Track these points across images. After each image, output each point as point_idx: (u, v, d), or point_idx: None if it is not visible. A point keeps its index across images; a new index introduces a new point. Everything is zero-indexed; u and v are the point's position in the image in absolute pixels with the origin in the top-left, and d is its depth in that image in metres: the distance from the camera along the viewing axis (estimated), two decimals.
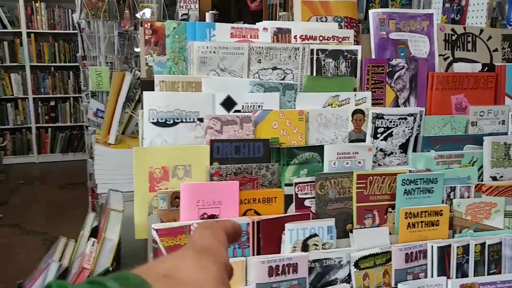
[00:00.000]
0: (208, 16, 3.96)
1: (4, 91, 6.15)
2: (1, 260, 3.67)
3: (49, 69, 6.34)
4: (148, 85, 1.28)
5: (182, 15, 3.75)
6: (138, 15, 3.37)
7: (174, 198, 1.21)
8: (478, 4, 2.23)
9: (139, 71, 2.60)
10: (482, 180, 1.46)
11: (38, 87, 6.30)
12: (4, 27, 6.04)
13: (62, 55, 6.36)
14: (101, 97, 3.24)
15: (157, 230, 1.15)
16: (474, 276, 1.36)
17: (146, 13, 3.33)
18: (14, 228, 4.28)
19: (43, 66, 6.31)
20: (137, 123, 2.02)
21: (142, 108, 1.26)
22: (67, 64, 6.38)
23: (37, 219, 4.48)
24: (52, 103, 6.40)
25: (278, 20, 4.24)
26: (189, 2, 4.16)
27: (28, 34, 6.13)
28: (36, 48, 6.24)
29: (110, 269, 1.15)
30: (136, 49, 3.31)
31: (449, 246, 1.33)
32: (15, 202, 4.90)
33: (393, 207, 1.34)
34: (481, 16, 2.28)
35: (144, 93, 1.24)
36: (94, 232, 1.39)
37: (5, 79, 6.15)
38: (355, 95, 1.38)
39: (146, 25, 1.33)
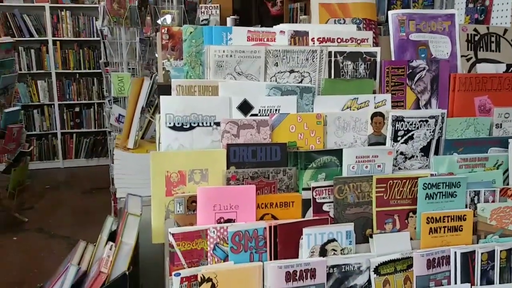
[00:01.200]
0: (229, 21, 3.98)
1: (31, 98, 6.28)
2: (26, 264, 3.73)
3: (74, 76, 6.46)
4: (165, 89, 1.28)
5: (202, 21, 3.77)
6: (159, 21, 3.40)
7: (191, 202, 1.21)
8: (502, 3, 2.17)
9: None
10: (507, 184, 1.41)
11: (64, 94, 6.42)
12: (31, 35, 6.18)
13: (86, 62, 6.46)
14: (123, 102, 3.28)
15: (173, 235, 1.15)
16: (500, 283, 1.31)
17: (167, 19, 3.36)
18: (39, 233, 4.36)
19: (68, 73, 6.42)
20: (156, 128, 2.03)
21: (159, 113, 1.26)
22: (92, 70, 6.48)
23: (62, 224, 4.55)
24: (77, 109, 6.51)
25: (299, 24, 4.23)
26: (210, 7, 4.19)
27: (54, 42, 6.25)
28: (61, 55, 6.36)
29: (127, 273, 1.15)
30: (157, 55, 3.34)
31: (473, 252, 1.29)
32: (41, 206, 4.99)
33: (414, 211, 1.31)
34: (506, 16, 2.22)
35: (161, 97, 1.25)
36: (113, 236, 1.40)
37: (32, 86, 6.28)
38: (374, 97, 1.36)
39: (163, 30, 1.34)
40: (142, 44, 3.32)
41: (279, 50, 1.33)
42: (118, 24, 3.22)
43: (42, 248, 4.03)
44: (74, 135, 6.56)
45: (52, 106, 6.42)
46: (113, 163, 3.43)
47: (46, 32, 6.27)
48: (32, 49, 6.29)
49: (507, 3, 2.19)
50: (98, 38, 5.88)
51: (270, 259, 1.21)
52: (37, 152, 6.43)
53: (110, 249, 1.21)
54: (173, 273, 1.12)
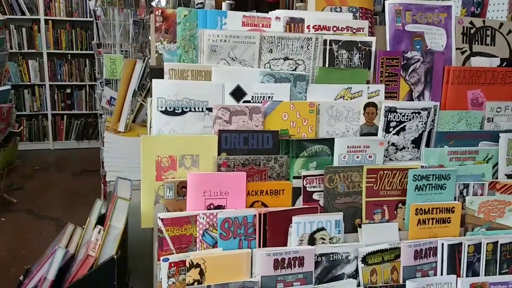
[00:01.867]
0: (224, 5, 3.93)
1: (21, 77, 6.20)
2: (15, 245, 3.71)
3: (65, 57, 6.37)
4: (158, 72, 1.27)
5: (197, 4, 3.73)
6: (153, 3, 3.35)
7: (181, 188, 1.20)
8: None
9: None
10: (496, 178, 1.42)
11: (55, 74, 6.34)
12: (23, 13, 6.08)
13: (79, 43, 6.38)
14: (115, 85, 3.24)
15: (162, 220, 1.14)
16: (485, 275, 1.33)
17: (162, 1, 3.31)
18: (28, 214, 4.33)
19: (60, 53, 6.33)
20: (147, 112, 2.02)
21: (151, 96, 1.25)
22: (84, 51, 6.40)
23: (51, 205, 4.52)
24: (68, 91, 6.44)
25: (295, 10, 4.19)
26: None
27: (46, 21, 6.15)
28: (53, 35, 6.27)
29: (115, 257, 1.15)
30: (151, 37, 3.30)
31: (460, 244, 1.30)
32: (30, 188, 4.96)
33: (403, 202, 1.32)
34: (502, 10, 2.21)
35: (153, 80, 1.23)
36: (102, 220, 1.39)
37: (22, 66, 6.20)
38: (368, 87, 1.35)
39: (157, 12, 1.32)
40: (136, 26, 3.28)
41: (274, 37, 1.31)
42: (111, 5, 3.17)
43: (30, 229, 4.01)
44: (65, 117, 6.50)
45: (43, 86, 6.34)
46: (103, 146, 3.41)
47: (38, 11, 6.17)
48: (23, 27, 6.19)
49: None
50: (91, 19, 5.80)
51: (259, 247, 1.21)
52: (27, 133, 6.37)
53: (99, 232, 1.21)
54: (161, 258, 1.12)
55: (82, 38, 6.44)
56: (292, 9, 4.70)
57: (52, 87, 6.38)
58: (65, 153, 6.36)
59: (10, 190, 4.74)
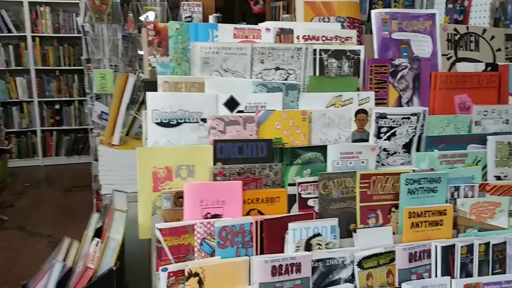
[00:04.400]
0: (211, 19, 3.98)
1: (9, 94, 6.17)
2: (7, 263, 3.68)
3: (54, 73, 6.36)
4: (152, 85, 1.29)
5: (185, 18, 3.77)
6: (142, 18, 3.38)
7: (178, 198, 1.21)
8: (481, 4, 2.22)
9: (143, 73, 2.62)
10: (486, 180, 1.46)
11: (43, 91, 6.32)
12: (9, 31, 6.06)
13: (66, 59, 6.37)
14: (105, 99, 3.25)
15: (160, 230, 1.15)
16: (479, 276, 1.35)
17: (150, 16, 3.35)
18: (20, 231, 4.29)
19: (48, 69, 6.32)
20: (140, 125, 2.03)
21: (145, 109, 1.27)
22: (72, 67, 6.39)
23: (43, 222, 4.49)
24: (57, 106, 6.42)
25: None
26: (193, 5, 4.18)
27: (33, 38, 6.15)
28: (41, 51, 6.26)
29: (114, 268, 1.15)
30: (140, 52, 3.32)
31: (453, 245, 1.33)
32: (21, 205, 4.92)
33: (396, 206, 1.34)
34: (484, 17, 2.27)
35: (148, 93, 1.25)
36: (98, 233, 1.39)
37: (10, 83, 6.17)
38: (358, 95, 1.38)
39: (149, 26, 1.34)
40: (125, 41, 3.30)
41: (265, 48, 1.34)
42: (100, 21, 3.19)
43: (22, 247, 3.97)
44: (54, 133, 6.46)
45: (32, 103, 6.32)
46: (95, 160, 3.40)
47: (24, 28, 6.16)
48: (10, 45, 6.17)
49: (485, 4, 2.24)
50: (78, 35, 5.80)
51: (257, 254, 1.23)
52: (16, 150, 6.32)
53: (96, 245, 1.21)
54: (160, 268, 1.13)
55: (69, 54, 6.44)
56: (279, 20, 4.77)
57: (40, 104, 6.36)
58: (55, 169, 6.32)
59: (0, 207, 4.70)
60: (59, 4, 6.31)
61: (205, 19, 4.05)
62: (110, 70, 3.20)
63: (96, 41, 3.26)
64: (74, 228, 4.08)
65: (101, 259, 1.17)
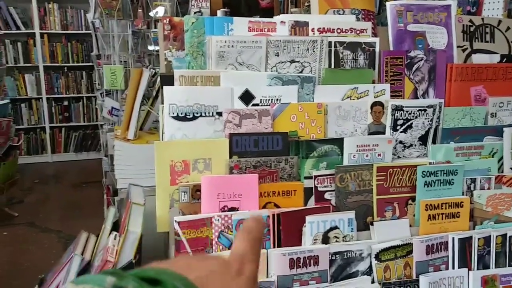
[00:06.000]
0: (219, 13, 3.97)
1: (18, 91, 6.21)
2: (18, 258, 3.71)
3: (62, 69, 6.40)
4: (168, 80, 1.29)
5: (194, 13, 3.76)
6: (151, 14, 3.39)
7: (195, 191, 1.22)
8: None
9: (153, 69, 2.62)
10: (502, 172, 1.45)
11: (52, 87, 6.36)
12: (18, 28, 6.10)
13: (75, 55, 6.41)
14: (115, 95, 3.26)
15: (179, 223, 1.16)
16: (495, 267, 1.35)
17: (159, 11, 3.35)
18: (30, 227, 4.33)
19: (56, 66, 6.36)
20: (154, 120, 2.04)
21: (162, 103, 1.27)
22: (80, 64, 6.43)
23: (52, 217, 4.53)
24: (66, 103, 6.46)
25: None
26: (201, 0, 4.17)
27: (41, 35, 6.18)
28: (49, 48, 6.29)
29: (133, 261, 1.16)
30: (150, 47, 3.33)
31: (470, 237, 1.32)
32: (30, 201, 4.96)
33: (413, 199, 1.34)
34: (498, 8, 2.25)
35: (164, 87, 1.25)
36: (114, 227, 1.40)
37: (19, 80, 6.21)
38: (373, 87, 1.38)
39: (164, 21, 1.34)
40: (134, 36, 3.31)
41: (280, 41, 1.34)
42: (110, 16, 3.19)
43: (32, 242, 4.01)
44: (63, 129, 6.51)
45: (40, 99, 6.36)
46: (106, 156, 3.42)
47: (33, 25, 6.19)
48: (19, 42, 6.21)
49: None
50: (87, 31, 5.84)
51: (274, 247, 1.23)
52: (25, 147, 6.37)
53: (115, 238, 1.22)
54: None
55: (78, 50, 6.47)
56: (287, 14, 4.74)
57: (49, 100, 6.40)
58: (64, 165, 6.36)
59: (11, 204, 4.75)
60: (67, 1, 6.33)
61: (212, 14, 4.04)
62: (120, 66, 3.21)
63: (106, 37, 3.27)
64: (83, 223, 4.10)
65: (120, 252, 1.17)
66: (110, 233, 1.28)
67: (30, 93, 6.32)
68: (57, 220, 4.48)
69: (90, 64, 5.89)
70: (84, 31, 6.30)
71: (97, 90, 3.89)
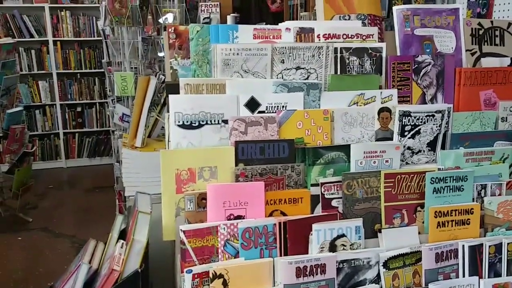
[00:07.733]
0: (229, 19, 3.98)
1: (32, 98, 6.29)
2: (32, 263, 3.75)
3: (75, 76, 6.46)
4: (174, 88, 1.29)
5: (204, 19, 3.78)
6: (160, 20, 3.40)
7: (201, 199, 1.22)
8: None
9: (163, 75, 2.63)
10: None
11: (65, 94, 6.43)
12: (31, 36, 6.18)
13: (87, 62, 6.47)
14: (126, 101, 3.29)
15: (184, 232, 1.16)
16: (507, 275, 1.32)
17: (169, 18, 3.36)
18: (44, 232, 4.37)
19: (69, 73, 6.43)
20: (162, 127, 2.04)
21: (168, 111, 1.27)
22: (93, 70, 6.49)
23: (66, 223, 4.57)
24: (79, 109, 6.52)
25: (299, 20, 4.22)
26: (210, 6, 4.19)
27: (54, 42, 6.26)
28: (62, 55, 6.36)
29: (139, 270, 1.16)
30: (160, 54, 3.35)
31: (481, 245, 1.30)
32: (45, 206, 5.01)
33: (422, 206, 1.32)
34: (508, 10, 2.22)
35: (170, 96, 1.25)
36: (123, 234, 1.41)
37: (33, 87, 6.29)
38: (381, 93, 1.36)
39: (170, 29, 1.34)
40: (144, 43, 3.33)
41: (285, 47, 1.34)
42: (119, 24, 3.22)
43: (46, 247, 4.04)
44: (76, 135, 6.57)
45: (54, 106, 6.43)
46: (117, 162, 3.44)
47: (46, 33, 6.27)
48: (32, 49, 6.29)
49: None
50: (99, 38, 5.89)
51: (280, 255, 1.22)
52: (40, 153, 6.44)
53: (121, 247, 1.22)
54: (185, 269, 1.13)
55: (90, 57, 6.53)
56: (297, 18, 4.74)
57: (62, 107, 6.47)
58: (78, 170, 6.42)
59: (25, 209, 4.80)
60: (79, 8, 6.41)
61: (222, 20, 4.05)
62: (130, 72, 3.23)
63: (116, 44, 3.30)
64: (97, 228, 4.15)
65: (126, 262, 1.18)
66: (117, 241, 1.29)
67: (44, 100, 6.39)
68: (71, 225, 4.52)
69: (103, 70, 5.94)
70: (96, 38, 6.36)
71: (109, 96, 3.92)
